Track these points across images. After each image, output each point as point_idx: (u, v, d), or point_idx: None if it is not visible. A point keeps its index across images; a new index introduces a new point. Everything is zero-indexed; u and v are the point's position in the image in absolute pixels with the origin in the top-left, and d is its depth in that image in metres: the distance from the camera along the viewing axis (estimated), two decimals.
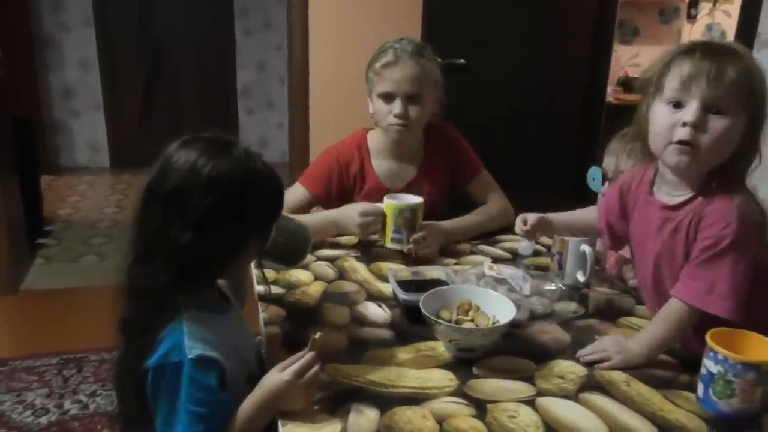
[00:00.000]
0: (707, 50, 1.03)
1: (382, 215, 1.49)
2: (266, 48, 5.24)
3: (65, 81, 4.96)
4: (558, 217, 1.35)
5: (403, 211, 1.47)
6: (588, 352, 1.10)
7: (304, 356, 0.94)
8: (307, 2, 2.80)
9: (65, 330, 2.70)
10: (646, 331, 1.10)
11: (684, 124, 1.02)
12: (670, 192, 1.12)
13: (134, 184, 4.82)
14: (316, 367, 0.94)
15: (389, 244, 1.50)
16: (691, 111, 1.01)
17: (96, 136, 5.14)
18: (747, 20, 2.18)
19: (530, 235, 1.31)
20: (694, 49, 1.04)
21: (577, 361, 1.10)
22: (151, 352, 0.89)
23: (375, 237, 1.54)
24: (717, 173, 1.05)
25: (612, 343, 1.10)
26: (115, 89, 5.05)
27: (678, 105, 1.03)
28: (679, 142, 1.03)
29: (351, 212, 1.52)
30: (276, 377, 0.92)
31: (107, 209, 4.30)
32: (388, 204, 1.49)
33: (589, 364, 1.08)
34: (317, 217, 1.60)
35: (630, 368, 1.07)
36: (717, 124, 1.01)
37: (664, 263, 1.12)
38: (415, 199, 1.51)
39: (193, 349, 0.89)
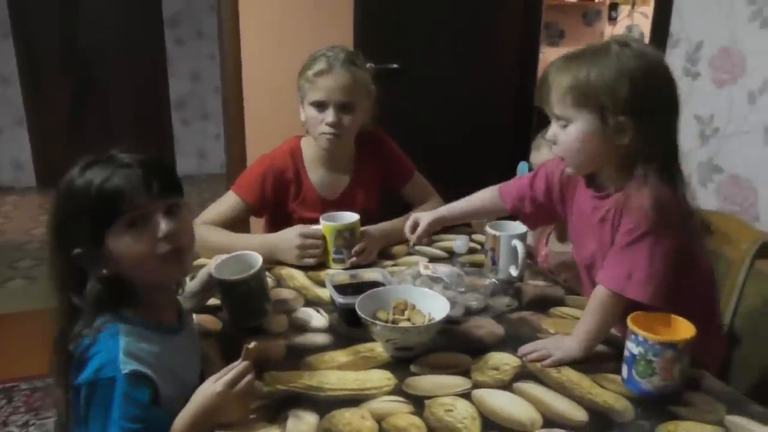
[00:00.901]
0: (549, 68, 1.11)
1: (323, 238, 1.48)
2: (199, 58, 5.15)
3: None
4: (454, 208, 1.37)
5: (342, 232, 1.47)
6: (529, 350, 1.13)
7: (237, 366, 0.93)
8: (237, 11, 2.78)
9: None
10: (580, 326, 1.13)
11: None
12: (597, 186, 1.18)
13: None
14: (249, 376, 0.93)
15: (332, 265, 1.50)
16: (551, 128, 1.13)
17: (19, 153, 4.92)
18: (660, 21, 2.30)
19: (421, 240, 1.32)
20: (550, 66, 1.12)
21: (512, 353, 1.13)
22: (80, 367, 0.87)
23: (310, 262, 1.49)
24: (624, 165, 1.09)
25: (551, 341, 1.14)
26: (38, 104, 4.85)
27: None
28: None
29: (289, 235, 1.49)
30: (208, 389, 0.91)
31: (35, 230, 4.12)
32: (326, 226, 1.48)
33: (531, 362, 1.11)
34: (249, 241, 1.54)
35: (571, 363, 1.09)
36: (561, 135, 1.11)
37: (597, 250, 1.17)
38: (352, 217, 1.51)
39: (127, 364, 0.88)
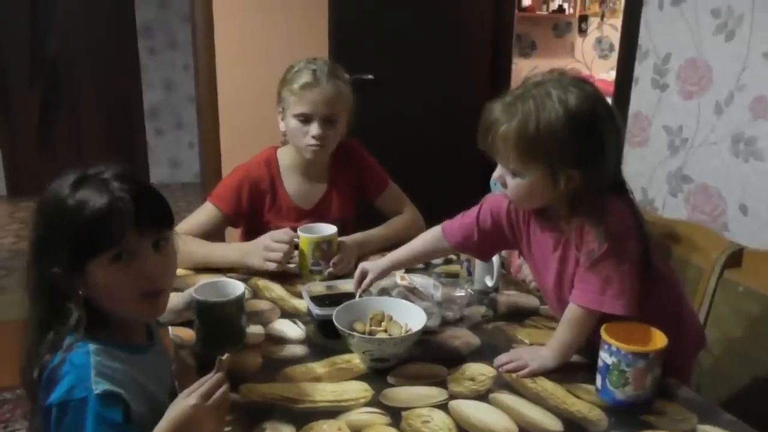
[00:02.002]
0: (490, 114, 1.09)
1: (292, 243, 1.47)
2: (172, 68, 5.11)
3: None
4: (398, 256, 1.35)
5: (320, 244, 1.47)
6: (505, 361, 1.14)
7: (211, 378, 0.91)
8: (212, 21, 2.77)
9: None
10: (555, 338, 1.15)
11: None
12: (550, 216, 1.18)
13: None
14: (223, 388, 0.91)
15: (309, 276, 1.49)
16: (496, 169, 1.14)
17: None
18: (628, 33, 2.35)
19: (366, 290, 1.31)
20: (485, 110, 1.11)
21: (488, 363, 1.14)
22: (50, 386, 0.85)
23: (271, 266, 1.46)
24: (573, 208, 1.09)
25: (527, 351, 1.16)
26: (8, 113, 4.75)
27: None
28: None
29: (260, 239, 1.49)
30: (182, 403, 0.89)
31: (5, 240, 4.03)
32: (304, 238, 1.47)
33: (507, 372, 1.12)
34: (222, 250, 1.56)
35: (546, 373, 1.11)
36: (509, 181, 1.12)
37: (564, 276, 1.18)
38: (330, 230, 1.51)
39: (99, 384, 0.85)
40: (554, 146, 1.03)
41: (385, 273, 1.33)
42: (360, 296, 1.27)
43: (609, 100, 2.67)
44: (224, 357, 0.93)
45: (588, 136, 1.04)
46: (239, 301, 1.16)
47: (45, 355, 0.89)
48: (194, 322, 1.17)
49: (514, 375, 1.11)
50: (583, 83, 1.07)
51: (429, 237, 1.35)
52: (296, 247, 1.49)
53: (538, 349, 1.16)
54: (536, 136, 1.03)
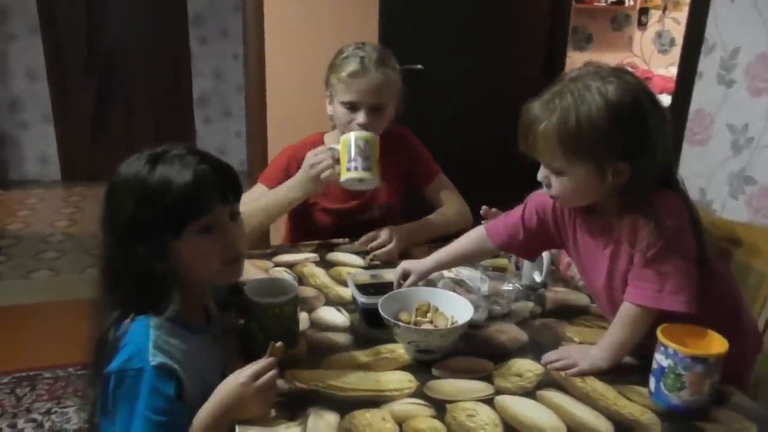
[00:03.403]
0: (528, 113, 1.07)
1: (332, 151, 1.48)
2: (222, 57, 5.18)
3: (12, 92, 4.80)
4: (441, 257, 1.31)
5: (356, 141, 1.45)
6: (553, 358, 1.11)
7: (262, 361, 0.93)
8: (262, 11, 2.79)
9: (17, 348, 2.60)
10: (607, 337, 1.11)
11: None
12: (600, 213, 1.13)
13: (87, 196, 4.69)
14: (273, 371, 0.93)
15: (344, 176, 1.46)
16: (540, 170, 1.10)
17: (46, 148, 4.99)
18: (694, 27, 2.25)
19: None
20: (524, 110, 1.09)
21: (535, 360, 1.11)
22: (111, 356, 0.89)
23: (325, 175, 1.46)
24: (624, 204, 1.06)
25: (576, 350, 1.12)
26: (65, 100, 4.91)
27: None
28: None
29: (303, 167, 1.50)
30: (232, 380, 0.91)
31: (59, 223, 4.17)
32: (343, 139, 1.48)
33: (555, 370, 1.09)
34: (274, 191, 1.56)
35: (596, 374, 1.07)
36: (556, 182, 1.08)
37: (615, 274, 1.13)
38: (369, 133, 1.49)
39: (156, 357, 0.89)
40: (598, 140, 1.00)
41: (426, 275, 1.30)
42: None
43: (668, 96, 2.58)
44: (278, 344, 0.94)
45: (632, 127, 1.00)
46: (296, 299, 1.12)
47: (110, 328, 0.92)
48: (245, 323, 1.11)
49: (562, 374, 1.07)
50: (622, 73, 1.03)
51: (473, 237, 1.32)
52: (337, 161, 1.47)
53: (588, 348, 1.12)
54: (578, 132, 1.00)
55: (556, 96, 1.03)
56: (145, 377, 0.87)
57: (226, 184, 0.97)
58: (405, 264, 1.31)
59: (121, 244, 0.93)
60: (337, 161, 1.47)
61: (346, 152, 1.46)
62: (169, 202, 0.91)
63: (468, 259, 1.37)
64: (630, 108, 0.99)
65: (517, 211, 1.27)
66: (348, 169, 1.45)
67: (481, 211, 1.56)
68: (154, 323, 0.92)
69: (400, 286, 1.27)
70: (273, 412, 0.94)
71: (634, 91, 1.01)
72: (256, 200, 1.55)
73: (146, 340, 0.89)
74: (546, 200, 1.22)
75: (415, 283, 1.28)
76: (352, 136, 1.46)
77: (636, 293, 1.07)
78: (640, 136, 1.01)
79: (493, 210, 1.57)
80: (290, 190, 1.52)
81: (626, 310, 1.08)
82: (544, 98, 1.05)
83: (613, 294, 1.14)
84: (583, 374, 1.07)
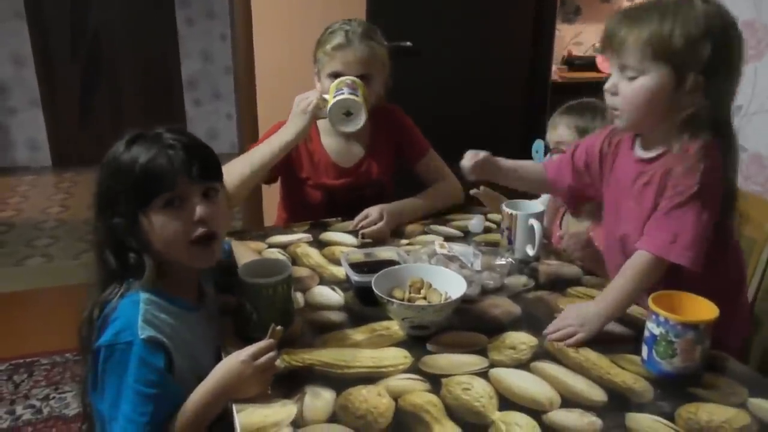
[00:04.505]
0: (620, 17, 1.08)
1: (318, 92, 1.52)
2: (210, 38, 5.13)
3: None
4: (506, 162, 1.36)
5: (344, 79, 1.51)
6: (552, 330, 1.11)
7: (262, 342, 0.94)
8: None
9: (13, 334, 2.61)
10: (610, 291, 1.11)
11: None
12: (647, 147, 1.16)
13: (78, 182, 4.66)
14: (273, 353, 0.94)
15: (331, 102, 1.48)
16: (610, 79, 1.10)
17: (35, 133, 4.94)
18: None
19: (474, 170, 1.31)
20: (612, 17, 1.10)
21: (529, 332, 1.12)
22: (101, 331, 0.91)
23: (314, 106, 1.50)
24: (687, 126, 1.07)
25: (574, 317, 1.11)
26: (52, 85, 4.86)
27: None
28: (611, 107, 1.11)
29: (293, 110, 1.53)
30: (232, 359, 0.92)
31: (51, 209, 4.15)
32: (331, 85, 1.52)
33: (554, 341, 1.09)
34: (262, 148, 1.56)
35: (595, 335, 1.08)
36: (625, 87, 1.08)
37: (635, 219, 1.14)
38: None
39: (145, 330, 0.90)
40: (686, 45, 1.02)
41: (488, 162, 1.32)
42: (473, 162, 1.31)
43: None
44: (278, 327, 0.96)
45: (720, 44, 1.02)
46: (290, 279, 1.11)
47: (101, 303, 0.95)
48: (239, 304, 1.10)
49: (562, 344, 1.08)
50: (722, 5, 1.07)
51: (539, 167, 1.38)
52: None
53: (587, 309, 1.11)
54: (670, 33, 1.02)
55: (654, 4, 1.06)
56: (134, 350, 0.89)
57: (194, 162, 0.97)
58: (473, 151, 1.33)
59: (100, 217, 0.98)
60: (324, 101, 1.50)
61: (335, 90, 1.50)
62: (134, 176, 0.94)
63: (524, 178, 1.39)
64: (721, 27, 1.03)
65: (568, 151, 1.33)
66: (335, 97, 1.48)
67: (473, 192, 1.57)
68: (144, 298, 0.93)
69: (475, 166, 1.31)
70: (269, 391, 0.95)
71: (730, 19, 1.05)
72: (242, 157, 1.56)
73: (135, 315, 0.91)
74: (596, 140, 1.26)
75: (485, 162, 1.31)
76: (340, 79, 1.50)
77: (649, 241, 1.08)
78: (723, 56, 1.03)
79: (495, 193, 1.58)
80: (281, 134, 1.53)
81: (636, 257, 1.09)
82: (634, 6, 1.08)
83: (628, 245, 1.16)
84: (582, 342, 1.08)
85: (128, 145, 0.97)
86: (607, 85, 1.11)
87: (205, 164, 0.99)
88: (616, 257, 1.23)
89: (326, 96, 1.51)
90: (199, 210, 0.97)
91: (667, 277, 1.05)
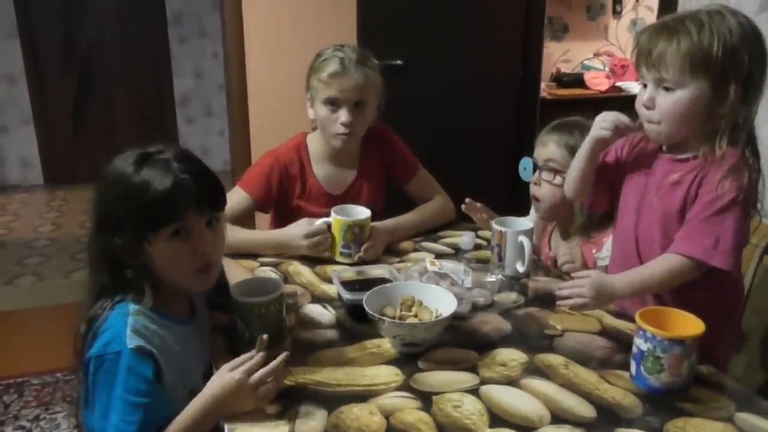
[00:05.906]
0: (654, 31, 1.10)
1: (328, 232, 1.49)
2: (202, 56, 5.15)
3: None
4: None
5: (352, 228, 1.48)
6: (566, 294, 1.13)
7: (254, 357, 0.95)
8: (241, 9, 2.78)
9: (4, 354, 2.59)
10: (639, 273, 1.12)
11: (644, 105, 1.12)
12: (675, 152, 1.17)
13: (70, 200, 4.65)
14: (266, 369, 0.94)
15: (338, 258, 1.50)
16: (646, 92, 1.11)
17: (27, 152, 4.93)
18: (666, 13, 2.28)
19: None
20: (644, 32, 1.11)
21: (520, 349, 1.13)
22: (91, 343, 0.92)
23: (324, 254, 1.51)
24: (725, 133, 1.08)
25: (590, 285, 1.11)
26: (44, 103, 4.86)
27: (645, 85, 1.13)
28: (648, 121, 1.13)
29: (295, 233, 1.49)
30: (226, 376, 0.93)
31: (42, 228, 4.13)
32: (336, 220, 1.48)
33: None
34: (262, 237, 1.57)
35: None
36: (662, 100, 1.09)
37: (658, 219, 1.15)
38: (364, 213, 1.52)
39: (133, 340, 0.91)
40: (726, 56, 1.04)
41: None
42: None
43: None
44: (265, 337, 0.97)
45: (756, 54, 1.05)
46: (282, 298, 1.13)
47: (92, 316, 0.95)
48: (231, 322, 1.11)
49: (545, 359, 1.09)
50: (743, 14, 1.09)
51: None
52: (329, 228, 1.49)
53: (605, 283, 1.12)
54: (710, 45, 1.04)
55: (686, 17, 1.07)
56: (123, 359, 0.89)
57: (204, 195, 0.98)
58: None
59: (99, 235, 0.98)
60: (332, 234, 1.49)
61: (341, 236, 1.48)
62: (144, 204, 0.94)
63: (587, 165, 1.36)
64: (754, 36, 1.06)
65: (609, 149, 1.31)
66: (342, 254, 1.49)
67: (463, 207, 1.58)
68: (133, 310, 0.95)
69: None
70: (267, 408, 0.95)
71: (758, 29, 1.08)
72: (239, 231, 1.53)
73: (124, 325, 0.92)
74: (625, 142, 1.26)
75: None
76: (347, 223, 1.47)
77: (688, 245, 1.08)
78: (760, 65, 1.06)
79: (478, 205, 1.59)
80: (275, 240, 1.53)
81: (671, 257, 1.10)
82: (670, 19, 1.09)
83: (641, 242, 1.17)
84: (586, 309, 1.12)
85: (137, 166, 0.96)
86: (644, 100, 1.12)
87: (213, 195, 1.01)
88: (629, 254, 1.23)
89: (326, 220, 1.49)
90: (204, 243, 0.99)
91: (676, 290, 1.07)
